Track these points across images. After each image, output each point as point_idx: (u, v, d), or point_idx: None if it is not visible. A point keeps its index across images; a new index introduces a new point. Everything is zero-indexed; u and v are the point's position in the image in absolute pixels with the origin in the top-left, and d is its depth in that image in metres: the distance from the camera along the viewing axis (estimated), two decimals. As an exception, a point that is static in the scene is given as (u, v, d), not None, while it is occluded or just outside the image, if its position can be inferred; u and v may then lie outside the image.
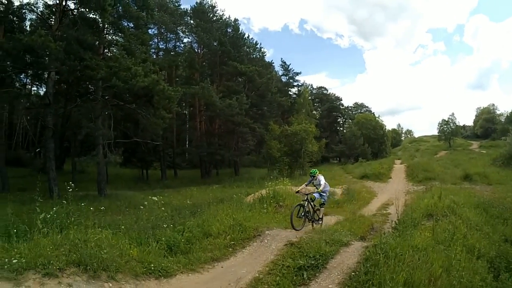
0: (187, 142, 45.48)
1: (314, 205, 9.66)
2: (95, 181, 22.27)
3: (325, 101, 64.38)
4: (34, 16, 24.03)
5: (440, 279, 5.11)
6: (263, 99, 42.75)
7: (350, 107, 70.19)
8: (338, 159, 61.33)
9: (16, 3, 21.89)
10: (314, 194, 9.49)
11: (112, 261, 5.35)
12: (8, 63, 21.13)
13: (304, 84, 60.96)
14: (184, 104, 40.68)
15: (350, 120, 65.44)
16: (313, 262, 6.24)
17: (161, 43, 40.07)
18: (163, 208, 8.73)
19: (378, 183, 25.51)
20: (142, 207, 9.13)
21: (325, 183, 9.72)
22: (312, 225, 9.74)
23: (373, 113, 67.25)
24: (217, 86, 38.22)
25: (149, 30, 30.69)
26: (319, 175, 9.89)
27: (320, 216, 9.94)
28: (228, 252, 7.21)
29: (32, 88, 34.55)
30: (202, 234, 7.79)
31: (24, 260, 5.08)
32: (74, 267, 5.11)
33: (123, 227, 7.58)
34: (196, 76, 38.70)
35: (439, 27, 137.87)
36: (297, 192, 10.18)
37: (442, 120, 61.98)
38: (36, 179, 15.44)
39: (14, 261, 5.01)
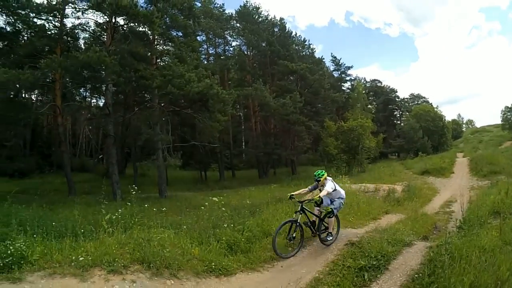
0: (244, 143, 45.88)
1: (321, 212, 7.37)
2: (155, 184, 23.20)
3: (380, 94, 61.69)
4: (87, 35, 25.81)
5: (507, 283, 4.66)
6: (317, 96, 41.85)
7: (406, 98, 66.65)
8: (396, 154, 58.36)
9: (69, 25, 23.68)
10: (322, 198, 7.13)
11: (174, 259, 5.45)
12: (67, 79, 23.01)
13: (357, 78, 59.14)
14: (238, 106, 41.09)
15: (407, 113, 61.69)
16: (374, 262, 5.96)
17: (211, 48, 41.00)
18: (223, 208, 8.69)
19: (440, 178, 23.94)
20: (202, 207, 9.18)
21: (334, 188, 7.30)
22: (321, 241, 7.22)
23: (431, 103, 63.17)
24: (270, 86, 38.07)
25: (198, 37, 31.45)
26: (328, 178, 7.45)
27: (330, 230, 7.25)
28: (287, 251, 7.02)
29: (92, 100, 37.37)
30: (261, 233, 7.68)
31: (90, 258, 5.27)
32: (138, 264, 5.27)
33: (185, 226, 7.70)
34: (248, 78, 38.97)
35: (492, 6, 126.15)
36: (291, 197, 7.35)
37: (505, 107, 56.15)
38: (100, 183, 16.42)
39: (81, 258, 5.21)
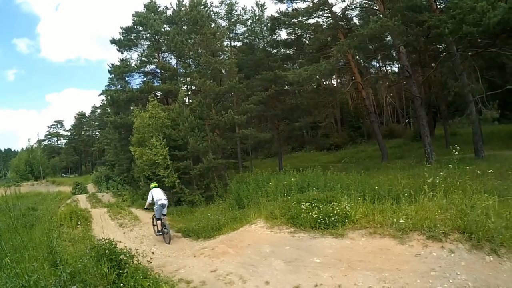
0: None
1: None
2: (468, 143, 20.51)
3: None
4: (357, 12, 26.64)
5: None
6: None
7: None
8: None
9: (338, 10, 25.24)
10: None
11: (497, 232, 4.64)
12: (358, 57, 24.87)
13: None
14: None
15: None
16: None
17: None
18: None
19: None
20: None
21: (151, 198, 10.24)
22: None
23: None
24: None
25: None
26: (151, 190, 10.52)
27: (157, 228, 10.37)
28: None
29: (387, 68, 37.92)
30: None
31: (411, 222, 5.38)
32: (458, 233, 4.90)
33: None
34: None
35: None
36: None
37: None
38: (410, 147, 16.35)
39: (401, 221, 5.42)
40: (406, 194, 6.66)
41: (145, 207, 10.86)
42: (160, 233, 10.11)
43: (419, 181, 7.67)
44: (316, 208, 6.70)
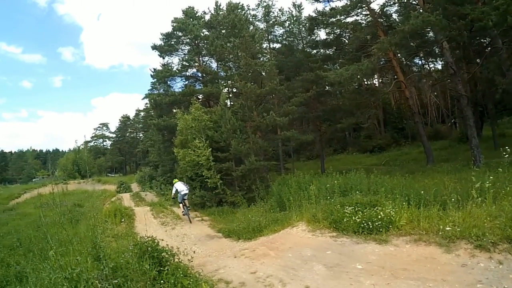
0: None
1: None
2: (520, 144, 18.98)
3: None
4: (396, 8, 25.64)
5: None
6: None
7: None
8: None
9: (376, 7, 24.22)
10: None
11: None
12: (399, 55, 23.94)
13: None
14: None
15: None
16: None
17: None
18: None
19: None
20: None
21: (175, 190, 13.57)
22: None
23: None
24: None
25: None
26: (175, 184, 13.87)
27: (181, 211, 13.73)
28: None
29: (430, 66, 36.22)
30: None
31: (458, 229, 5.15)
32: (508, 243, 4.61)
33: None
34: None
35: None
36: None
37: None
38: (456, 149, 15.31)
39: (448, 228, 5.19)
40: (453, 200, 6.36)
41: (172, 197, 14.77)
42: (184, 213, 13.39)
43: (467, 185, 7.26)
44: (360, 212, 6.58)
